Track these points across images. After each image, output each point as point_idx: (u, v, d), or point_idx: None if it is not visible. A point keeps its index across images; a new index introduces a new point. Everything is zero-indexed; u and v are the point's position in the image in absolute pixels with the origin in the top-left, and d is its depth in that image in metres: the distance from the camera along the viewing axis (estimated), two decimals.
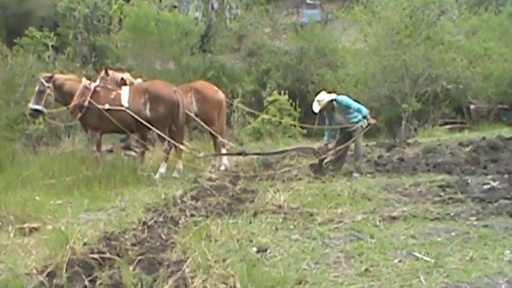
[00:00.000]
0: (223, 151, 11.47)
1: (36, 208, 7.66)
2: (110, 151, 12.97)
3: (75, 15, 22.95)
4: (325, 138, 10.76)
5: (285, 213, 7.11)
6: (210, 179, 9.70)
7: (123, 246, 5.74)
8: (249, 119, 18.53)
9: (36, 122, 13.92)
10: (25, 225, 6.91)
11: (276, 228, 6.51)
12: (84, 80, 10.86)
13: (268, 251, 5.60)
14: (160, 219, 7.01)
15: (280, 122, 17.35)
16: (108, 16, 24.10)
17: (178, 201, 7.87)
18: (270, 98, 19.24)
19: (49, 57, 19.95)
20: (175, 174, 10.42)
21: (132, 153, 13.14)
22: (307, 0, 32.55)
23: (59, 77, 10.95)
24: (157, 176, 10.19)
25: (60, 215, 7.45)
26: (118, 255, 5.49)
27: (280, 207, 7.38)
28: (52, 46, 20.31)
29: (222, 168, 11.17)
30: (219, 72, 22.15)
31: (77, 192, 8.88)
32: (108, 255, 5.45)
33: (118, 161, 11.24)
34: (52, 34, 20.54)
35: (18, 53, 17.39)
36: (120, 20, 23.74)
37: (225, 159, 11.40)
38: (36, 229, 6.85)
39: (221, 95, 11.79)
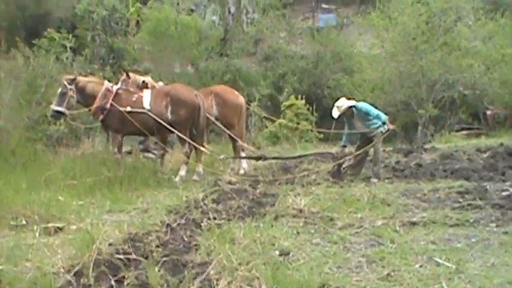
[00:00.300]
0: (243, 155, 11.57)
1: (60, 208, 7.81)
2: (129, 153, 13.09)
3: (93, 17, 23.06)
4: (343, 141, 10.83)
5: (305, 218, 7.20)
6: (230, 183, 9.79)
7: (148, 248, 5.84)
8: (266, 122, 18.61)
9: (57, 123, 14.02)
10: (49, 224, 7.05)
11: (297, 232, 6.60)
12: (106, 82, 11.00)
13: (290, 255, 5.70)
14: (183, 221, 7.12)
15: (297, 127, 17.41)
16: (126, 18, 24.20)
17: (201, 203, 7.97)
18: (287, 103, 19.32)
19: (67, 58, 19.97)
20: (195, 177, 10.53)
21: (150, 155, 13.23)
22: (322, 4, 32.52)
23: (81, 79, 11.07)
24: (177, 178, 10.28)
25: (84, 216, 7.58)
26: (143, 256, 5.59)
27: (300, 211, 7.47)
28: (70, 48, 20.40)
29: (241, 171, 11.27)
30: (235, 76, 22.17)
31: (99, 194, 9.00)
32: (133, 256, 5.56)
33: (138, 163, 11.37)
34: (70, 36, 20.64)
35: (40, 54, 17.47)
36: (138, 22, 23.88)
37: (244, 163, 11.48)
38: (60, 229, 6.97)
39: (241, 99, 11.92)
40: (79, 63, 20.06)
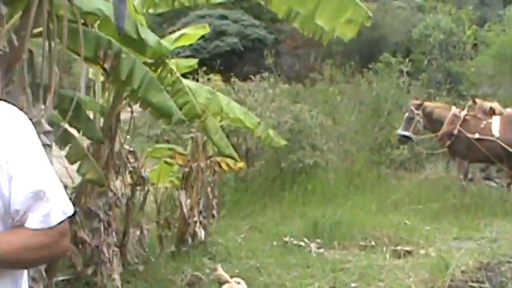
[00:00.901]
0: None
1: (408, 232, 8.05)
2: (470, 180, 12.84)
3: (430, 41, 23.12)
4: None
5: None
6: None
7: (499, 279, 5.74)
8: None
9: (400, 147, 14.27)
10: (399, 247, 7.25)
11: None
12: (453, 108, 11.04)
13: None
14: None
15: None
16: (462, 42, 23.81)
17: None
18: None
19: (403, 83, 20.30)
20: None
21: (492, 183, 12.76)
22: None
23: (428, 104, 11.31)
24: None
25: (431, 241, 7.68)
26: (495, 286, 5.51)
27: None
28: (406, 72, 20.65)
29: None
30: None
31: (445, 220, 9.04)
32: (487, 285, 5.51)
33: (484, 191, 11.09)
34: (406, 60, 20.90)
35: (383, 78, 18.03)
36: (475, 44, 23.34)
37: None
38: (409, 252, 7.15)
39: None
40: (415, 87, 20.20)
